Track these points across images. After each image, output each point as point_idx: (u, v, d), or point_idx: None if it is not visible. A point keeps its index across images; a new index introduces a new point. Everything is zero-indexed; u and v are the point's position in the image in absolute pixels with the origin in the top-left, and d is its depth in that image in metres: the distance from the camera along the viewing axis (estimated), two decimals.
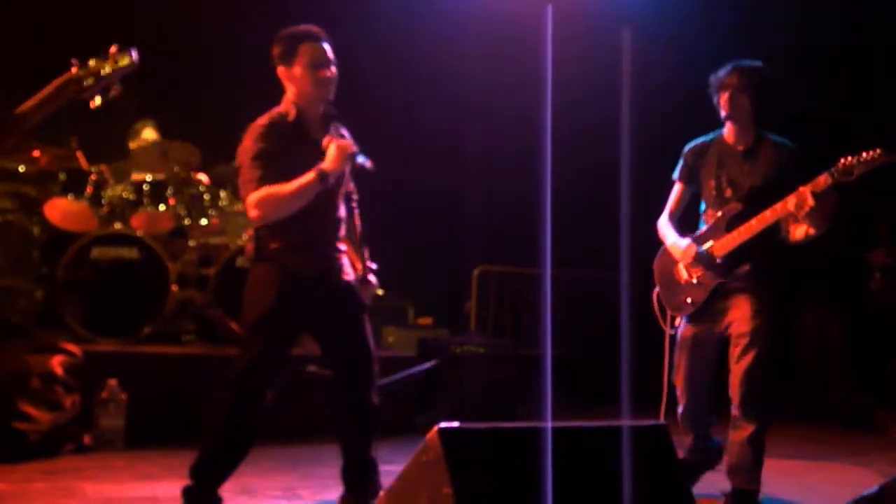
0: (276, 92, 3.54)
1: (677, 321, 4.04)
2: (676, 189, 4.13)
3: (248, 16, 6.77)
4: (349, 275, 3.58)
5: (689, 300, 3.98)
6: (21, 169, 5.96)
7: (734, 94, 3.87)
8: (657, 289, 4.12)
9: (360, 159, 3.38)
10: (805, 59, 6.89)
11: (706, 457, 4.10)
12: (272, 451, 4.42)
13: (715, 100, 3.97)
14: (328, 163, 3.32)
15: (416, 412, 5.57)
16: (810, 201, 3.59)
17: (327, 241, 3.55)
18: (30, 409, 4.72)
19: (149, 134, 6.26)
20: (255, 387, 3.43)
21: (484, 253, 7.24)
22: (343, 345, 3.56)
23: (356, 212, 3.77)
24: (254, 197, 3.31)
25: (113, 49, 2.63)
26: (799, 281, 6.87)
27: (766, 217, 3.74)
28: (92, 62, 2.60)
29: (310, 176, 3.31)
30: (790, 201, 3.65)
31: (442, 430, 2.38)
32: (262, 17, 6.58)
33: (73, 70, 2.59)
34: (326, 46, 3.46)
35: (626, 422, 2.52)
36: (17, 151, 5.81)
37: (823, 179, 3.61)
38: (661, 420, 3.49)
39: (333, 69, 3.46)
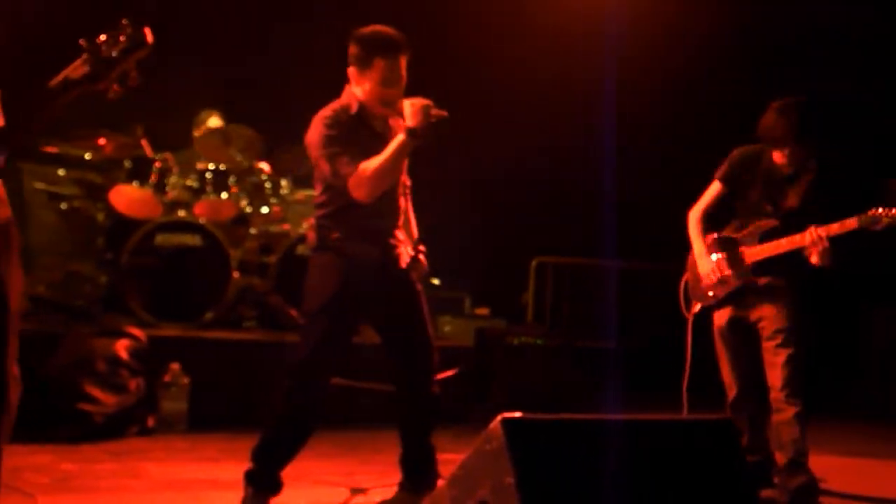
0: (341, 81, 3.57)
1: (696, 307, 4.21)
2: (715, 188, 4.21)
3: (316, 5, 6.83)
4: (406, 263, 3.60)
5: (710, 294, 4.15)
6: (87, 156, 6.08)
7: (795, 147, 4.00)
8: (686, 275, 4.27)
9: (436, 111, 3.37)
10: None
11: (765, 457, 4.08)
12: (332, 436, 4.45)
13: (781, 140, 4.02)
14: (410, 120, 3.32)
15: (472, 402, 5.57)
16: (824, 243, 3.82)
17: (387, 231, 3.57)
18: (95, 392, 4.83)
19: (213, 122, 6.33)
20: (316, 373, 3.47)
21: (542, 243, 7.20)
22: (403, 334, 3.58)
23: (409, 199, 3.78)
24: (355, 176, 3.33)
25: (123, 26, 2.38)
26: (867, 284, 6.79)
27: (782, 245, 3.95)
28: (102, 38, 2.36)
29: (400, 138, 3.34)
30: (807, 237, 3.86)
31: (505, 421, 2.37)
32: (331, 6, 6.65)
33: (84, 55, 2.39)
34: (402, 60, 3.45)
35: (691, 415, 2.48)
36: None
37: (850, 223, 3.81)
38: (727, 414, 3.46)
39: (402, 85, 3.47)
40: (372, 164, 3.33)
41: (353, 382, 4.72)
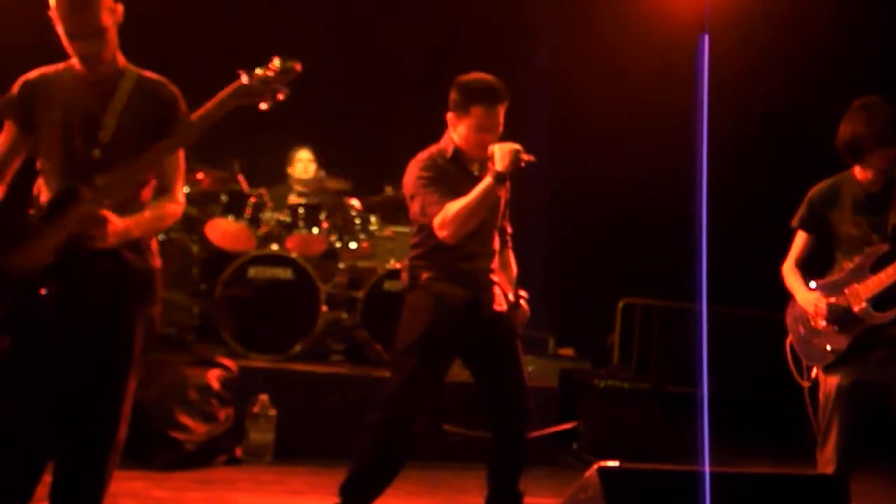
0: (431, 130, 3.65)
1: (813, 372, 3.73)
2: (800, 238, 3.82)
3: (410, 51, 6.95)
4: (502, 305, 3.60)
5: (828, 347, 3.64)
6: (185, 190, 6.25)
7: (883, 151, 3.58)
8: (790, 338, 3.83)
9: (525, 156, 3.40)
10: None
11: None
12: (415, 473, 4.46)
13: (864, 144, 3.62)
14: (498, 164, 3.36)
15: (556, 444, 5.51)
16: None
17: (479, 272, 3.59)
18: (187, 420, 4.93)
19: (305, 159, 6.48)
20: (405, 409, 3.50)
21: (629, 284, 7.12)
22: (494, 375, 3.58)
23: (510, 245, 3.79)
24: (440, 216, 3.39)
25: (276, 58, 2.80)
26: None
27: None
28: (258, 70, 2.78)
29: (487, 181, 3.37)
30: None
31: (602, 470, 2.34)
32: (425, 52, 6.76)
33: (242, 78, 2.76)
34: (500, 108, 3.50)
35: (798, 470, 2.40)
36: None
37: None
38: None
39: (498, 132, 3.51)
40: (456, 205, 3.37)
41: (463, 430, 4.71)
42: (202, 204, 6.21)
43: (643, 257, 7.22)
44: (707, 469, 2.44)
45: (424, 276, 3.54)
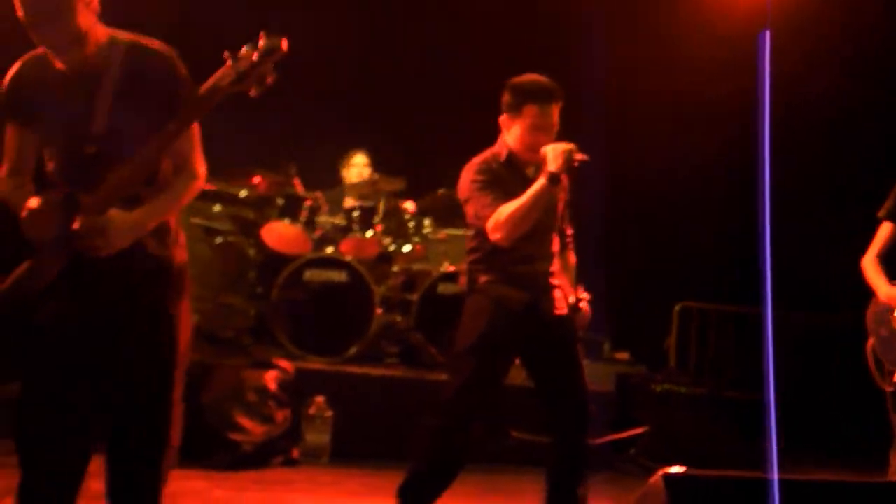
0: (485, 132, 3.64)
1: None
2: (885, 230, 3.78)
3: (464, 52, 6.94)
4: (563, 309, 3.58)
5: None
6: (242, 194, 6.32)
7: None
8: (871, 340, 3.76)
9: (579, 155, 3.37)
10: None
11: None
12: (473, 477, 4.44)
13: None
14: (551, 164, 3.34)
15: (613, 450, 5.45)
16: None
17: (538, 274, 3.57)
18: (245, 422, 4.99)
19: (360, 163, 6.52)
20: (463, 412, 3.49)
21: (686, 287, 7.02)
22: (554, 378, 3.56)
23: (571, 248, 3.76)
24: (493, 219, 3.37)
25: (262, 36, 2.51)
26: None
27: None
28: (243, 50, 2.50)
29: (540, 182, 3.34)
30: None
31: (668, 477, 2.30)
32: (479, 53, 6.75)
33: (228, 63, 2.49)
34: (554, 108, 3.47)
35: (870, 478, 2.33)
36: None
37: None
38: None
39: (553, 132, 3.48)
40: (510, 207, 3.35)
41: (528, 435, 4.68)
42: (258, 207, 6.27)
43: (701, 259, 7.12)
44: (776, 476, 2.38)
45: (482, 279, 3.54)
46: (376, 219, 6.22)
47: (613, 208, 6.94)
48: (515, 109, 3.49)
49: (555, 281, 3.60)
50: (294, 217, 6.07)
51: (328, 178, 6.54)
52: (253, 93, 2.50)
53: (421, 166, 6.48)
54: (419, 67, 7.11)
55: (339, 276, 5.85)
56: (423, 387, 5.40)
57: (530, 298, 3.53)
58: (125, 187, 2.50)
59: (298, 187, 6.20)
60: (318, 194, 6.21)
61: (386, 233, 6.25)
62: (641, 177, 7.13)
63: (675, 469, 2.36)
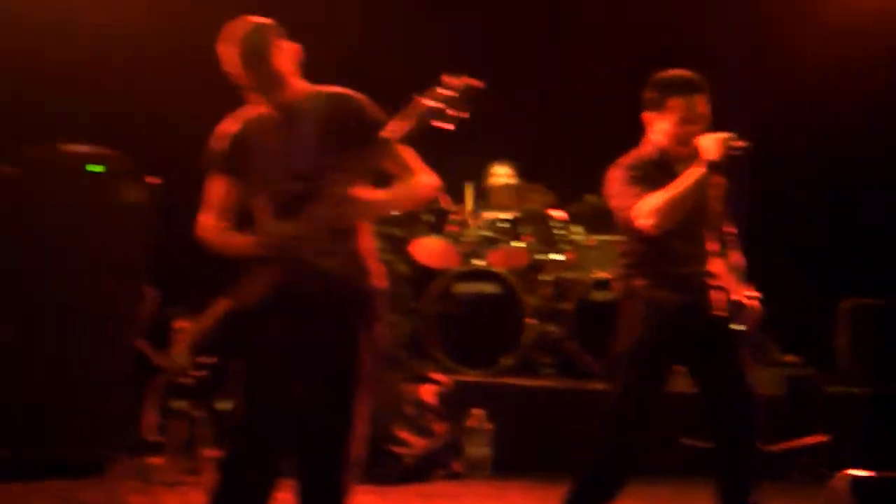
0: (631, 135, 3.56)
1: None
2: None
3: (607, 55, 6.84)
4: (723, 310, 3.44)
5: None
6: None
7: None
8: None
9: (737, 142, 3.23)
10: None
11: None
12: (640, 488, 4.32)
13: None
14: (709, 154, 3.21)
15: (785, 456, 5.20)
16: None
17: (693, 276, 3.44)
18: (405, 435, 5.06)
19: (505, 174, 6.51)
20: (624, 423, 3.40)
21: (856, 285, 6.63)
22: (716, 383, 3.42)
23: (734, 247, 3.61)
24: (643, 205, 3.27)
25: (454, 77, 2.73)
26: None
27: None
28: (437, 90, 2.71)
29: (698, 169, 3.22)
30: None
31: (854, 480, 2.16)
32: (622, 56, 6.64)
33: (421, 100, 2.72)
34: (700, 98, 3.36)
35: None
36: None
37: None
38: None
39: (703, 123, 3.37)
40: (662, 193, 3.24)
41: (698, 442, 4.53)
42: (407, 224, 6.36)
43: (869, 256, 6.72)
44: None
45: (637, 284, 3.44)
46: (524, 228, 6.20)
47: (776, 206, 6.68)
48: (659, 105, 3.40)
49: (713, 282, 3.47)
50: (441, 231, 6.13)
51: (473, 191, 6.56)
52: (446, 128, 2.72)
53: (568, 172, 6.40)
54: (559, 72, 7.06)
55: (489, 288, 5.86)
56: (581, 397, 5.33)
57: (686, 301, 3.40)
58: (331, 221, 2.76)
59: (445, 201, 6.25)
60: (465, 207, 6.25)
61: (535, 242, 6.22)
62: (804, 170, 6.81)
63: (860, 472, 2.21)
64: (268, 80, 2.82)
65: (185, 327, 2.98)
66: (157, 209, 5.14)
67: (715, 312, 3.43)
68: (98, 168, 5.23)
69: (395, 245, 6.36)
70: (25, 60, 5.90)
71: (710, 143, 3.22)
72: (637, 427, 3.40)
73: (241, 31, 2.84)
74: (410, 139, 2.74)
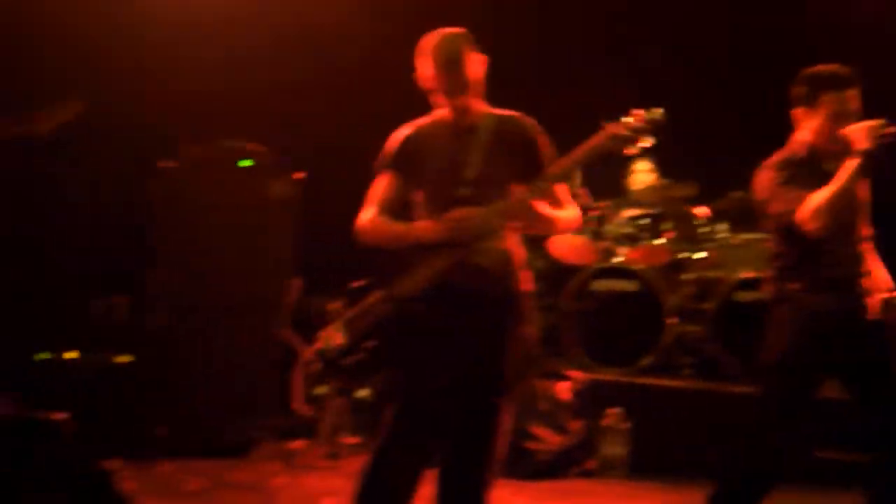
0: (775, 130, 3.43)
1: None
2: None
3: (745, 49, 6.63)
4: (880, 313, 3.28)
5: None
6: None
7: None
8: None
9: (889, 129, 3.12)
10: None
11: None
12: (785, 498, 4.18)
13: None
14: (860, 143, 3.12)
15: None
16: None
17: (850, 279, 3.31)
18: (539, 431, 5.06)
19: (645, 169, 6.39)
20: (774, 432, 3.30)
21: None
22: (872, 391, 3.27)
23: (871, 247, 3.44)
24: (805, 208, 3.18)
25: (640, 110, 2.89)
26: None
27: None
28: (623, 119, 2.87)
29: (852, 162, 3.13)
30: None
31: None
32: (762, 50, 6.40)
33: (606, 128, 2.86)
34: (851, 93, 3.27)
35: None
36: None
37: None
38: None
39: (855, 119, 3.24)
40: (822, 193, 3.15)
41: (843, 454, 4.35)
42: None
43: None
44: None
45: (791, 287, 3.32)
46: (665, 225, 6.06)
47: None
48: (811, 101, 3.31)
49: (865, 285, 3.32)
50: (581, 228, 6.06)
51: (614, 187, 6.47)
52: (629, 153, 2.92)
53: (711, 170, 6.22)
54: (703, 68, 6.86)
55: (628, 286, 5.77)
56: (721, 399, 5.18)
57: (844, 305, 3.28)
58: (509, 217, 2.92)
59: (584, 197, 6.19)
60: (605, 203, 6.17)
61: (676, 240, 6.08)
62: None
63: None
64: (457, 85, 2.96)
65: (339, 309, 3.05)
66: (301, 202, 5.32)
67: (870, 316, 3.28)
68: (248, 163, 5.47)
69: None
70: (182, 60, 6.19)
71: (861, 132, 3.13)
72: (784, 437, 3.29)
73: (438, 38, 3.00)
74: (593, 160, 2.90)
